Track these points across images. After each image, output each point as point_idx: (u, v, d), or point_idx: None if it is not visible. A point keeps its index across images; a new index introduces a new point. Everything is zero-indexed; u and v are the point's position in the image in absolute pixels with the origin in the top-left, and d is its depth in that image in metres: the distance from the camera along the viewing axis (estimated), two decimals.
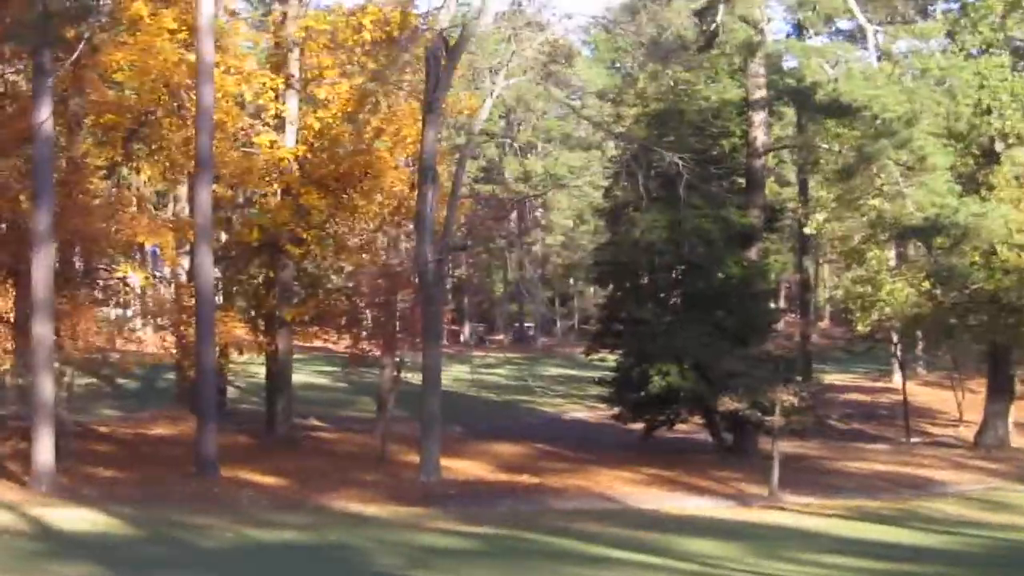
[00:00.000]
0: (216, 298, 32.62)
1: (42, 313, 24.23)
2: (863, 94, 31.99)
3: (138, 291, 33.84)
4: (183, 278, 36.48)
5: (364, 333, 36.31)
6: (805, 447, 37.04)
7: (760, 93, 36.92)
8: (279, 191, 34.90)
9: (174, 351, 32.71)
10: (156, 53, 29.58)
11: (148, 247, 33.89)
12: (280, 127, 35.04)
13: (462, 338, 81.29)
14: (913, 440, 42.90)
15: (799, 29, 50.02)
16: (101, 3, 28.41)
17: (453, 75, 30.51)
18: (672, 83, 41.46)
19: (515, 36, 31.20)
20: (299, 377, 42.04)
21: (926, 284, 40.31)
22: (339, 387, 50.07)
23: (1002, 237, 35.51)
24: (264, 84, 34.40)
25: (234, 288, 38.07)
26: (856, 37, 42.20)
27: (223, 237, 36.58)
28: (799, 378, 34.59)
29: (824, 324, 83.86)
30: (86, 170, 29.48)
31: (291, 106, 35.02)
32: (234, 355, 35.79)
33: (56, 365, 25.91)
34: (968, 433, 43.07)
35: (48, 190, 24.56)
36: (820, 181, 49.65)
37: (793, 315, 63.28)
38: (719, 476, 31.26)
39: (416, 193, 30.21)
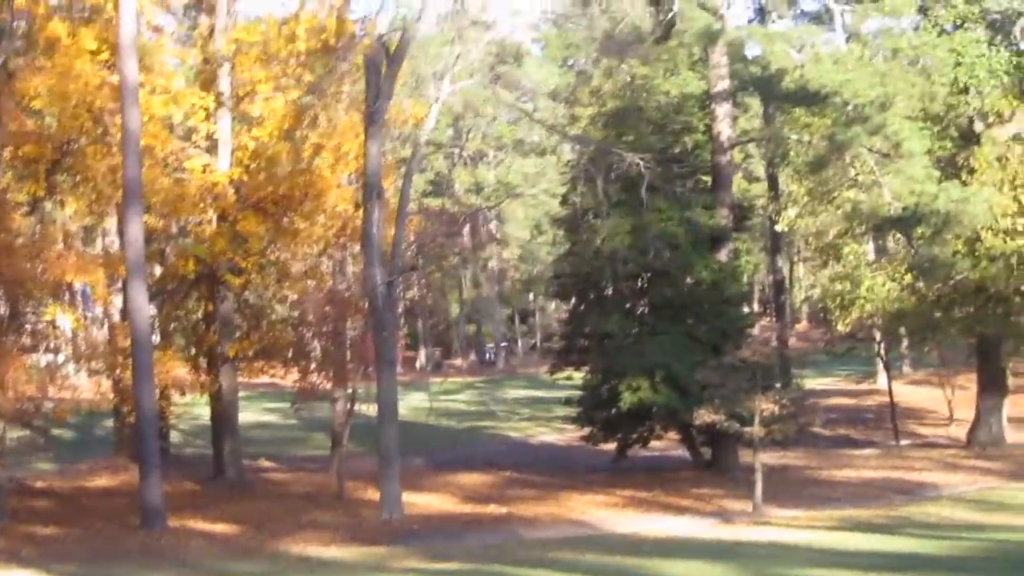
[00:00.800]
0: (153, 337, 32.62)
1: None
2: (832, 79, 32.30)
3: (69, 334, 33.75)
4: (116, 317, 36.39)
5: (313, 365, 36.27)
6: (788, 457, 37.43)
7: (723, 84, 37.15)
8: (215, 218, 34.81)
9: (111, 396, 32.64)
10: (76, 76, 29.59)
11: (78, 286, 33.77)
12: (213, 149, 35.08)
13: (418, 364, 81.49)
14: (902, 443, 43.43)
15: (761, 13, 50.51)
16: (15, 25, 28.43)
17: (395, 83, 30.52)
18: (629, 79, 41.69)
19: (459, 37, 31.26)
20: (246, 416, 41.98)
21: (908, 277, 40.64)
22: (289, 424, 49.99)
23: (986, 222, 35.61)
24: (194, 104, 34.42)
25: (172, 325, 38.04)
26: (822, 19, 42.70)
27: (157, 271, 36.54)
28: (778, 385, 34.91)
29: (802, 326, 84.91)
30: (7, 207, 29.41)
31: (223, 126, 35.04)
32: (176, 396, 35.77)
33: None
34: (960, 432, 43.54)
35: None
36: (791, 175, 50.16)
37: (768, 319, 63.97)
38: (699, 493, 31.60)
39: (361, 212, 30.22)
